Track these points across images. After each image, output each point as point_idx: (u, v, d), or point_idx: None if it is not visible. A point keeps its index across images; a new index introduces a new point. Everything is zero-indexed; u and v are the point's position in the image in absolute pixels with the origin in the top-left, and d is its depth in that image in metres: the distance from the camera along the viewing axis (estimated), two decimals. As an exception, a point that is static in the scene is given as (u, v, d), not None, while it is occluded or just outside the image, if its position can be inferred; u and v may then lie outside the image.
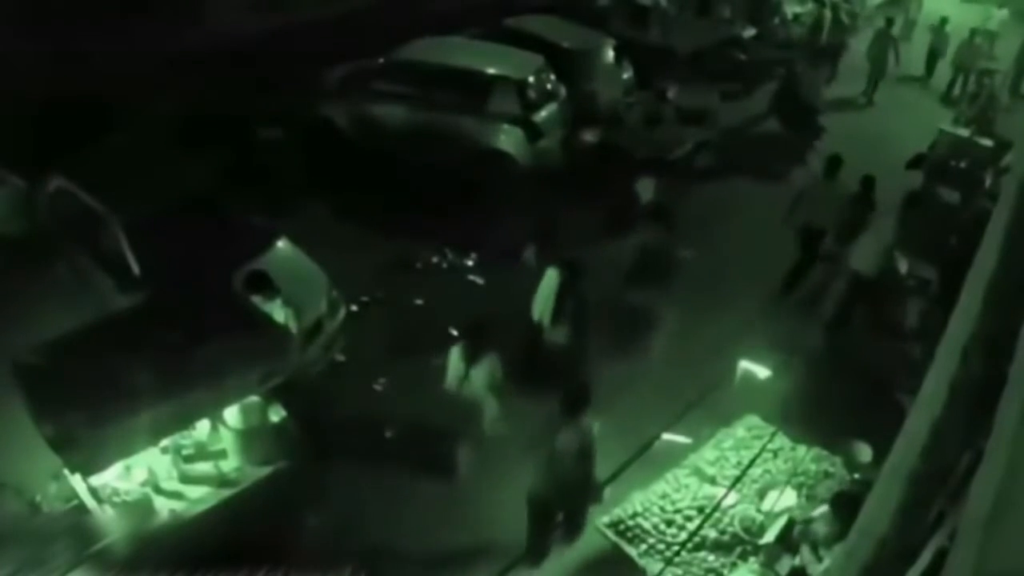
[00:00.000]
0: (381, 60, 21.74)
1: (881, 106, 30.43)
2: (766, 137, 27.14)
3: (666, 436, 13.08)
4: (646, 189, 19.33)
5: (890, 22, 32.01)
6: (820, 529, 10.42)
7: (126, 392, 9.99)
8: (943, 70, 33.13)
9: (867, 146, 23.75)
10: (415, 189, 19.91)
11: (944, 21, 33.32)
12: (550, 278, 14.82)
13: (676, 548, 11.08)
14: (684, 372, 15.29)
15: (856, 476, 11.53)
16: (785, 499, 11.72)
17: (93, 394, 10.02)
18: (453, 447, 13.30)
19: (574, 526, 12.24)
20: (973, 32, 32.74)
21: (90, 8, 23.75)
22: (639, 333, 16.01)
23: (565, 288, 14.66)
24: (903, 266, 16.62)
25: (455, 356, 12.90)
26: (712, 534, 11.42)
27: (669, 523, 11.65)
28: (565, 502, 11.91)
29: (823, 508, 10.61)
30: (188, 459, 11.47)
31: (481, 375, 12.68)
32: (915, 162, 22.99)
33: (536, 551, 12.27)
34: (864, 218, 17.35)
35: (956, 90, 32.28)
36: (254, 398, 11.57)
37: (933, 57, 33.83)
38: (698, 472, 12.37)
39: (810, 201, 17.79)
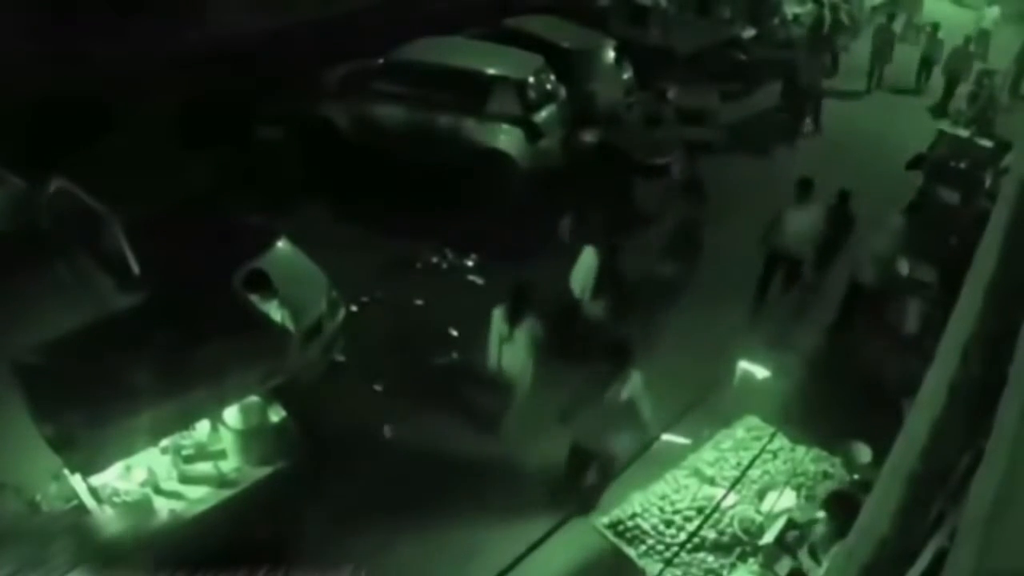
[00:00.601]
0: (381, 60, 21.74)
1: (870, 118, 29.68)
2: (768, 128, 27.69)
3: (665, 437, 13.09)
4: (678, 163, 20.44)
5: (891, 16, 32.30)
6: (819, 530, 10.44)
7: (126, 392, 9.99)
8: (936, 79, 32.45)
9: (857, 154, 23.92)
10: (415, 189, 19.92)
11: (937, 27, 32.78)
12: (588, 255, 15.77)
13: (675, 549, 11.06)
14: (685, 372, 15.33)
15: (856, 477, 11.53)
16: (784, 500, 11.67)
17: (93, 394, 10.01)
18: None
19: (608, 470, 13.04)
20: (968, 39, 32.02)
21: (90, 7, 23.76)
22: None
23: (605, 265, 15.63)
24: (904, 268, 16.61)
25: (498, 317, 13.55)
26: (711, 535, 11.37)
27: (668, 524, 11.61)
28: (604, 452, 12.75)
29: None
30: (188, 459, 11.46)
31: (523, 336, 13.41)
32: (915, 163, 22.96)
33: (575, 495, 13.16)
34: (843, 236, 17.34)
35: (955, 102, 30.85)
36: (254, 398, 11.57)
37: (926, 65, 33.14)
38: (697, 473, 12.33)
39: (781, 227, 17.29)
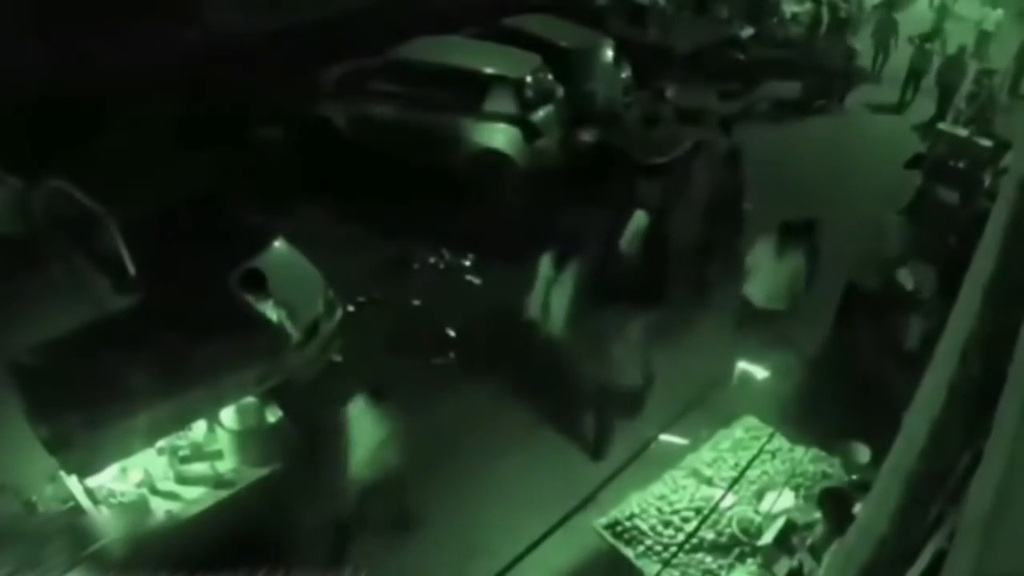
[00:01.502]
0: (379, 59, 21.74)
1: (846, 138, 28.36)
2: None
3: (663, 437, 13.08)
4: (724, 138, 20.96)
5: (891, 5, 32.24)
6: (818, 530, 10.44)
7: (122, 393, 10.03)
8: (924, 94, 30.51)
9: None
10: (412, 189, 19.88)
11: (925, 37, 31.00)
12: (639, 217, 16.64)
13: (673, 549, 11.03)
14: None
15: (855, 477, 11.52)
16: (783, 500, 11.61)
17: (89, 395, 10.05)
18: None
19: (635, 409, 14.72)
20: (962, 48, 30.00)
21: (87, 8, 23.75)
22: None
23: (653, 228, 16.65)
24: (908, 282, 16.52)
25: (546, 263, 14.75)
26: (710, 535, 11.32)
27: (666, 524, 11.54)
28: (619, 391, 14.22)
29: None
30: (184, 460, 11.49)
31: (567, 280, 14.56)
32: (914, 162, 22.93)
33: (601, 446, 14.38)
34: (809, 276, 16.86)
35: (948, 119, 28.07)
36: (251, 399, 11.61)
37: (914, 77, 30.98)
38: (695, 473, 12.26)
39: (759, 278, 16.01)
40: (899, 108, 30.99)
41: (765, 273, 15.52)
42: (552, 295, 14.77)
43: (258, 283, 12.80)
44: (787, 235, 15.24)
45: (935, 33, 32.31)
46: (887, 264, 16.62)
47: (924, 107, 29.71)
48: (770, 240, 15.30)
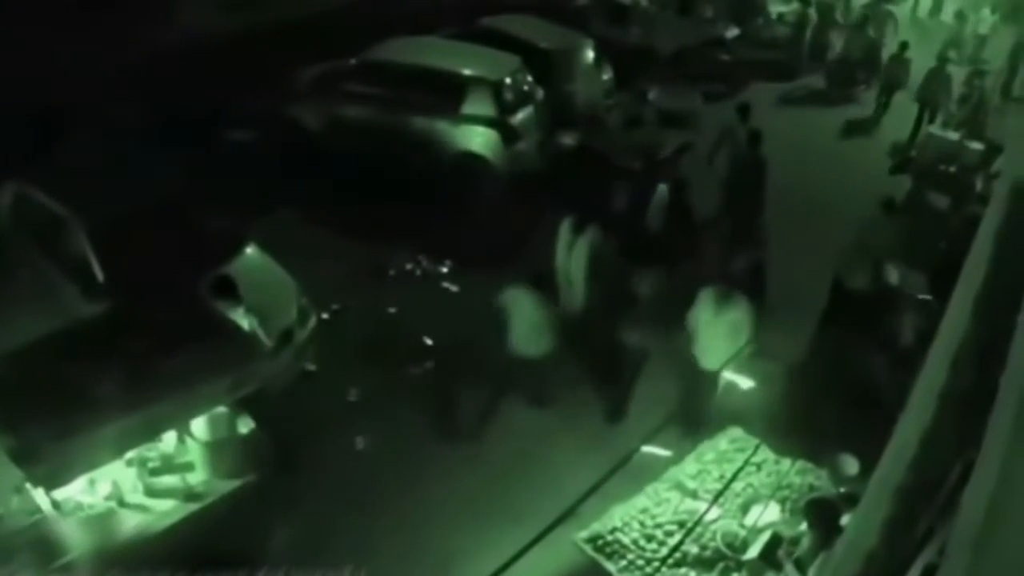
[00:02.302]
0: (353, 60, 21.73)
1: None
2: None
3: (646, 448, 13.08)
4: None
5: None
6: (805, 543, 10.47)
7: (91, 403, 10.01)
8: (898, 109, 29.22)
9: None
10: (388, 194, 19.84)
11: (904, 46, 29.22)
12: (661, 191, 18.62)
13: (656, 564, 11.08)
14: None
15: (843, 489, 11.56)
16: (769, 514, 11.68)
17: (57, 405, 10.02)
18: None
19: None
20: (944, 59, 28.30)
21: (52, 7, 23.68)
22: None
23: (673, 199, 18.59)
24: (894, 277, 16.63)
25: (565, 228, 16.12)
26: (693, 550, 11.34)
27: (649, 538, 11.57)
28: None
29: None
30: (154, 472, 11.47)
31: (583, 245, 15.81)
32: (900, 166, 22.96)
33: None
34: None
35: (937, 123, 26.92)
36: (222, 409, 11.58)
37: (888, 91, 29.73)
38: (679, 486, 12.29)
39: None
40: (870, 124, 29.83)
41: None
42: (571, 260, 15.90)
43: (229, 290, 12.77)
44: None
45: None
46: (874, 261, 16.73)
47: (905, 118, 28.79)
48: None
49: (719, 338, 14.01)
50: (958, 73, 28.89)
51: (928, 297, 16.39)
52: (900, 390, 7.23)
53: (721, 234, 19.40)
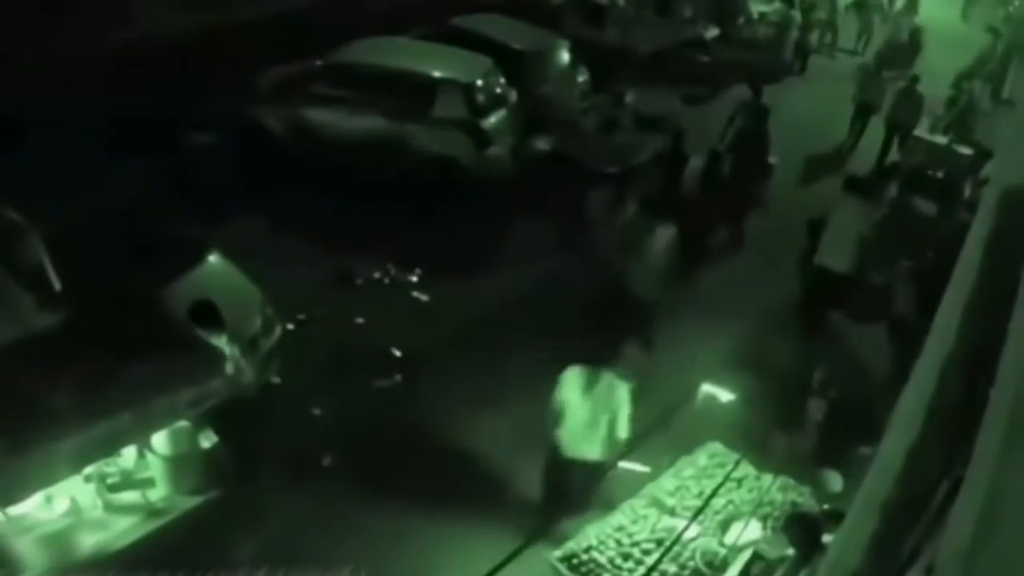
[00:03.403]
0: (319, 62, 21.78)
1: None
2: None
3: (622, 464, 13.15)
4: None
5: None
6: (786, 562, 10.52)
7: (47, 417, 10.00)
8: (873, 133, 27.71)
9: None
10: (355, 200, 19.82)
11: (880, 65, 28.72)
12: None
13: (633, 583, 11.14)
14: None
15: (826, 506, 11.60)
16: (750, 531, 11.65)
17: (11, 419, 10.01)
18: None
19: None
20: (915, 78, 26.82)
21: (4, 6, 23.64)
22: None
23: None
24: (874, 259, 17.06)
25: None
26: (672, 569, 11.35)
27: (626, 557, 11.57)
28: None
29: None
30: (113, 488, 11.45)
31: None
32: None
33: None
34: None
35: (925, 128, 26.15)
36: (183, 423, 11.57)
37: (863, 113, 27.93)
38: (657, 503, 12.31)
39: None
40: (844, 152, 27.87)
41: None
42: None
43: (211, 316, 12.69)
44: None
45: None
46: (861, 250, 16.96)
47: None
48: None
49: (594, 423, 12.47)
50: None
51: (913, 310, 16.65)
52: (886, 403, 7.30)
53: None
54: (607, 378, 12.30)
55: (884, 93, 27.78)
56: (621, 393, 12.33)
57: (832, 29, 37.30)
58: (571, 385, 12.43)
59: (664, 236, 17.90)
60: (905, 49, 33.18)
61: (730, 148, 22.39)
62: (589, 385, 12.33)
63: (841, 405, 14.84)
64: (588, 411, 12.38)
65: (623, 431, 12.47)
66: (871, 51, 33.88)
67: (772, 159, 23.17)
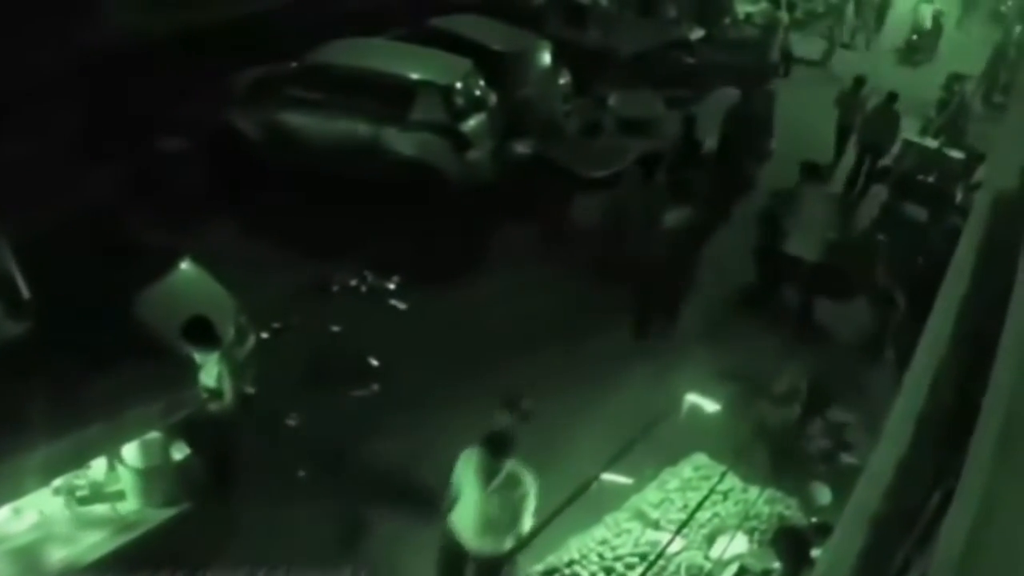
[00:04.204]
0: (294, 64, 21.78)
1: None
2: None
3: (605, 476, 13.11)
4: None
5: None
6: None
7: (14, 428, 9.98)
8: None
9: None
10: (331, 205, 19.88)
11: (860, 82, 26.35)
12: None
13: (616, 597, 11.12)
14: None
15: (814, 519, 11.61)
16: (736, 545, 11.61)
17: (-23, 430, 10.03)
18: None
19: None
20: (893, 95, 25.19)
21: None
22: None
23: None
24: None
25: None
26: (656, 584, 11.39)
27: (609, 571, 11.54)
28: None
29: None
30: (83, 501, 11.43)
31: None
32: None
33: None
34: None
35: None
36: (155, 434, 11.55)
37: (843, 134, 26.73)
38: (641, 515, 12.30)
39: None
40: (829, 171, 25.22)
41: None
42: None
43: (206, 333, 12.65)
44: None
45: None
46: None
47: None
48: None
49: (492, 516, 11.37)
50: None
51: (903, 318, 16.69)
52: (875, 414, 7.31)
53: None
54: (509, 467, 11.09)
55: (860, 112, 26.29)
56: (524, 486, 11.26)
57: (839, 25, 37.75)
58: (468, 468, 11.34)
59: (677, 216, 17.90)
60: (930, 34, 34.33)
61: (719, 158, 23.37)
62: (489, 475, 11.10)
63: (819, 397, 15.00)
64: (485, 503, 11.24)
65: (525, 525, 11.39)
66: (877, 45, 34.17)
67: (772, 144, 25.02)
